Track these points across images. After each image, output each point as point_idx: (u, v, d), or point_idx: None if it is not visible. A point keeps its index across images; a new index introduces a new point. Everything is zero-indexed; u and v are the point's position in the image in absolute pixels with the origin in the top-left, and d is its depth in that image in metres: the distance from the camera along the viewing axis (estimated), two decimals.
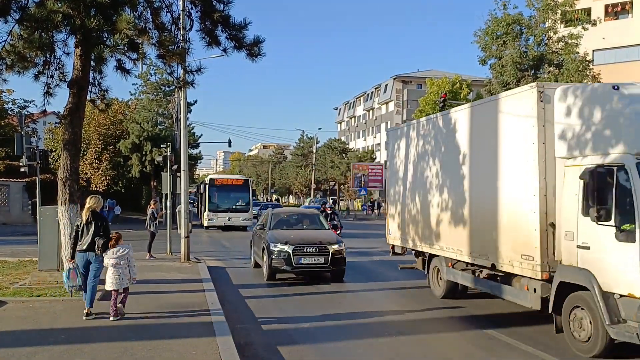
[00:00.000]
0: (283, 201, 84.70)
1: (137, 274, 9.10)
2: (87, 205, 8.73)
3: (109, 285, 8.52)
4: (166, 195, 19.43)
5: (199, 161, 55.53)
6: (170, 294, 10.68)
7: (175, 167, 18.74)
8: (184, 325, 8.15)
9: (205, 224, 30.91)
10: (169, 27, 10.63)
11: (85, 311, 8.46)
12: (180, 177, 17.43)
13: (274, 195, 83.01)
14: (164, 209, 25.20)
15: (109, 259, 8.49)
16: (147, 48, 10.27)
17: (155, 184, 38.54)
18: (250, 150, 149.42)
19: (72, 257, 8.77)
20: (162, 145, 32.15)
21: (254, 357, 7.17)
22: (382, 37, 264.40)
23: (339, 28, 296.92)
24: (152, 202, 19.75)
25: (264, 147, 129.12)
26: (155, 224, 17.08)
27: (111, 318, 8.43)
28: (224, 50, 10.87)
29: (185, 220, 16.27)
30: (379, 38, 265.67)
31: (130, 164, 38.48)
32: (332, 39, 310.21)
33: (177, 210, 21.53)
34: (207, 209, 30.95)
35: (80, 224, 8.65)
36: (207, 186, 31.57)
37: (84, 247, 8.53)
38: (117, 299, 8.53)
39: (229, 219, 30.59)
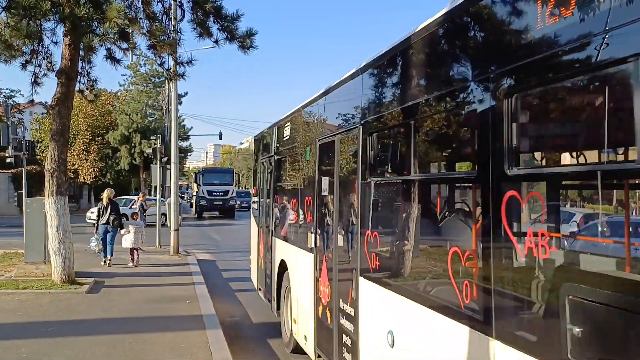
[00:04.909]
0: None
1: (144, 240, 14.13)
2: (106, 195, 13.21)
3: (128, 244, 13.01)
4: (156, 187, 19.27)
5: (189, 154, 55.21)
6: (159, 287, 10.60)
7: (165, 159, 18.59)
8: (173, 319, 8.07)
9: None
10: (160, 17, 10.52)
11: (106, 260, 12.89)
12: (170, 169, 17.30)
13: None
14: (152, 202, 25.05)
15: (130, 227, 13.04)
16: (138, 38, 10.17)
17: (144, 176, 38.24)
18: (242, 143, 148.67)
19: (97, 229, 13.14)
20: (151, 137, 31.71)
21: (244, 350, 7.13)
22: (379, 30, 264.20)
23: (334, 21, 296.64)
24: (140, 195, 19.66)
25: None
26: (144, 216, 16.96)
27: (130, 264, 12.90)
28: (216, 41, 10.78)
29: (175, 213, 16.18)
30: (375, 31, 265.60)
31: (119, 156, 38.17)
32: (327, 31, 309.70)
33: (166, 202, 21.44)
34: None
35: (101, 207, 13.15)
36: None
37: (104, 222, 12.95)
38: (134, 254, 13.06)
39: None
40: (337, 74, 5.44)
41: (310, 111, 6.41)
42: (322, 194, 5.54)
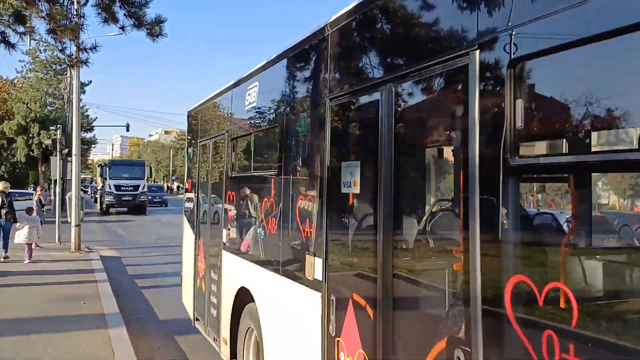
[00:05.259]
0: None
1: (41, 236, 13.78)
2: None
3: (21, 240, 12.43)
4: (55, 181, 18.20)
5: (93, 145, 52.47)
6: (58, 286, 10.07)
7: (66, 151, 17.60)
8: (72, 318, 7.71)
9: None
10: (62, 0, 9.94)
11: (3, 255, 12.53)
12: (71, 162, 16.42)
13: (174, 182, 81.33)
14: (52, 195, 23.62)
15: (25, 222, 12.57)
16: (36, 21, 9.53)
17: (43, 169, 35.90)
18: (151, 135, 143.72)
19: None
20: (51, 128, 29.78)
21: (149, 348, 6.95)
22: (308, 19, 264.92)
23: (261, 8, 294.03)
24: (38, 189, 18.58)
25: (166, 132, 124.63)
26: (42, 211, 16.04)
27: (26, 261, 12.33)
28: (122, 28, 10.37)
29: (77, 208, 15.41)
30: (304, 20, 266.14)
31: (15, 147, 35.68)
32: (241, 15, 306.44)
33: (67, 197, 20.32)
34: None
35: None
36: None
37: None
38: (29, 249, 12.57)
39: None
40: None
41: (308, 50, 3.88)
42: (344, 190, 3.26)
